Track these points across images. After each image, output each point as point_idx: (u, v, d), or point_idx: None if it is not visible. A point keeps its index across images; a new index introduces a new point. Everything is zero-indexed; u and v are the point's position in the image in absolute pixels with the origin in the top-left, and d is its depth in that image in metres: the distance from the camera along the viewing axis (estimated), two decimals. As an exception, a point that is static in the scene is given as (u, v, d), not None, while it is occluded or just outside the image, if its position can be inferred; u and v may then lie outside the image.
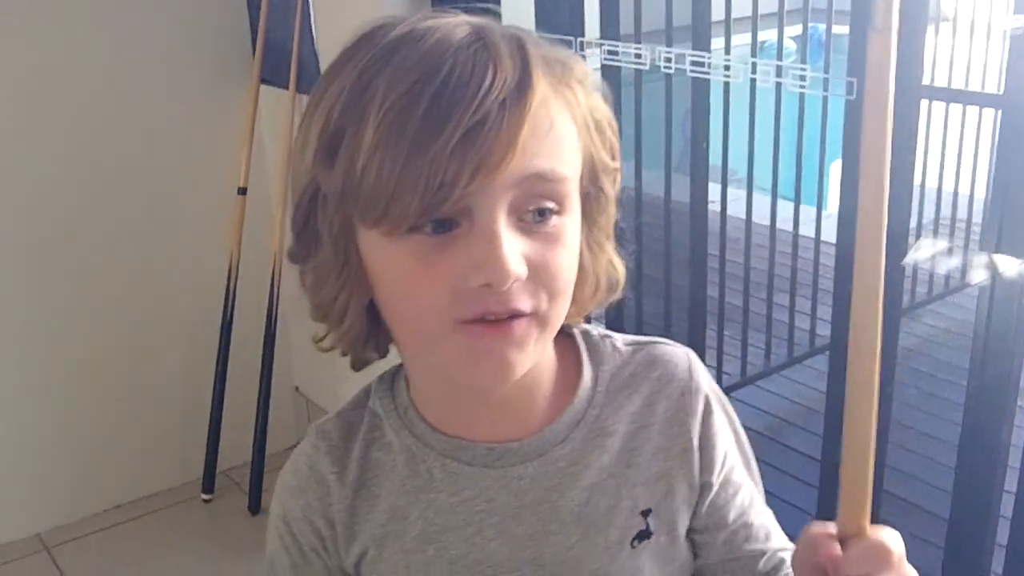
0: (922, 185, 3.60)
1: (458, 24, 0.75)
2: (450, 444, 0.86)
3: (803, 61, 2.41)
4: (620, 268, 0.86)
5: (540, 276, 0.75)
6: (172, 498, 2.87)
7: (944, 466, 1.67)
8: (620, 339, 0.92)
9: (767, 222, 3.28)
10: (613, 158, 0.82)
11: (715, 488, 0.90)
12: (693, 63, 1.86)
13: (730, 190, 3.09)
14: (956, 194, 3.68)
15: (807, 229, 3.36)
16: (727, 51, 2.38)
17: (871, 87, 0.63)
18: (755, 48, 2.52)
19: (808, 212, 3.41)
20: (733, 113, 2.67)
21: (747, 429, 2.63)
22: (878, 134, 0.64)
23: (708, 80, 1.95)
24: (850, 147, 1.55)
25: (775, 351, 3.36)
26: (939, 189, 3.65)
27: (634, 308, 2.98)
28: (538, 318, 0.76)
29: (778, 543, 0.93)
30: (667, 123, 2.59)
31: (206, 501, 2.83)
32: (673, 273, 3.00)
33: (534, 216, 0.74)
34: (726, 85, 2.34)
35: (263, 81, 2.68)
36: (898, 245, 1.55)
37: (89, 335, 2.72)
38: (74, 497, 2.80)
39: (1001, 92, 1.42)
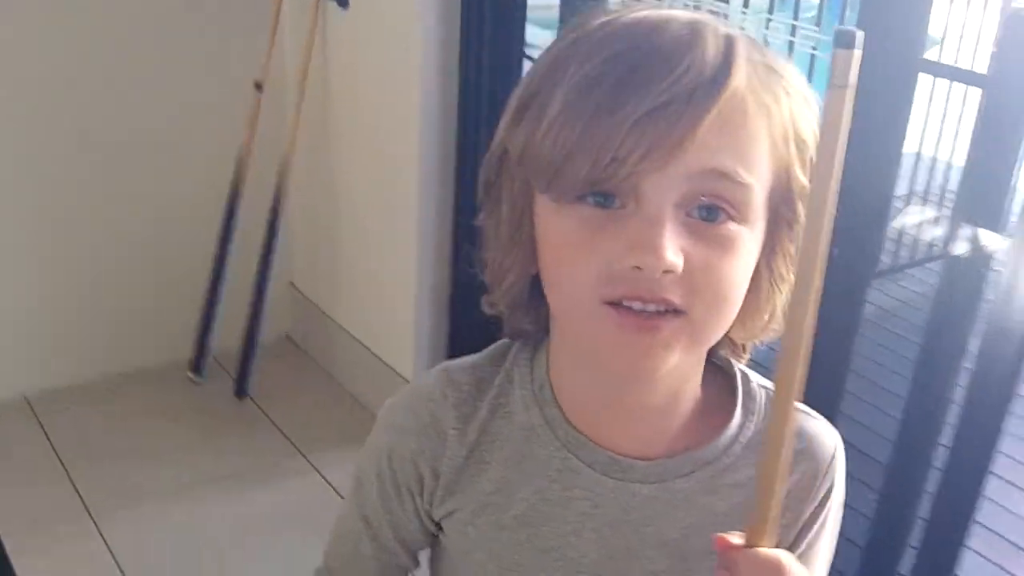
0: (918, 154, 3.69)
1: (678, 16, 0.74)
2: (576, 440, 0.85)
3: (817, 24, 2.47)
4: (780, 307, 0.82)
5: (697, 278, 0.72)
6: (162, 374, 2.94)
7: (892, 417, 1.78)
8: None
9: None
10: (808, 180, 0.76)
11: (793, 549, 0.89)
12: (710, 11, 1.93)
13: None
14: (950, 165, 3.78)
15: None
16: (745, 4, 2.43)
17: (823, 140, 0.63)
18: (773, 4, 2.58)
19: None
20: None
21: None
22: (825, 182, 0.64)
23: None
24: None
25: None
26: (933, 159, 3.74)
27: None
28: (690, 322, 0.74)
29: None
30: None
31: (194, 381, 2.92)
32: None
33: (705, 214, 0.72)
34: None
35: (290, -20, 2.73)
36: (880, 212, 1.64)
37: (98, 211, 2.79)
38: (65, 364, 2.88)
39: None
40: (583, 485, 0.85)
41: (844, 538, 2.20)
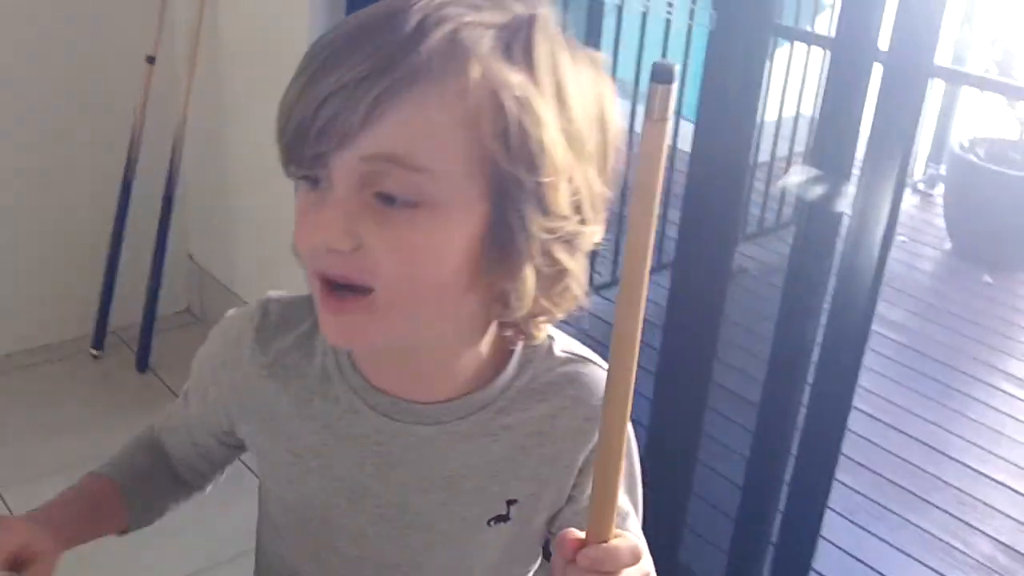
0: (797, 115, 3.84)
1: (424, 1, 0.75)
2: (362, 386, 0.91)
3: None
4: (531, 292, 0.81)
5: (377, 257, 0.76)
6: (62, 351, 2.96)
7: (755, 380, 1.91)
8: (562, 345, 0.94)
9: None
10: (531, 171, 0.75)
11: (579, 504, 0.94)
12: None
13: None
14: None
15: (685, 144, 3.57)
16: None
17: (643, 174, 0.62)
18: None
19: (688, 127, 3.62)
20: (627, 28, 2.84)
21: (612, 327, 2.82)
22: (645, 215, 0.63)
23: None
24: (708, 74, 1.72)
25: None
26: (812, 119, 3.89)
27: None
28: (382, 302, 0.78)
29: None
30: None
31: (95, 357, 2.93)
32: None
33: (379, 195, 0.75)
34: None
35: (175, -50, 2.74)
36: (740, 179, 1.76)
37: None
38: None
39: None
40: (367, 425, 0.92)
41: (724, 478, 2.34)
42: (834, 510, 2.56)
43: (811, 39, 2.00)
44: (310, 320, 0.93)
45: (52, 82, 2.76)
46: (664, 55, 3.17)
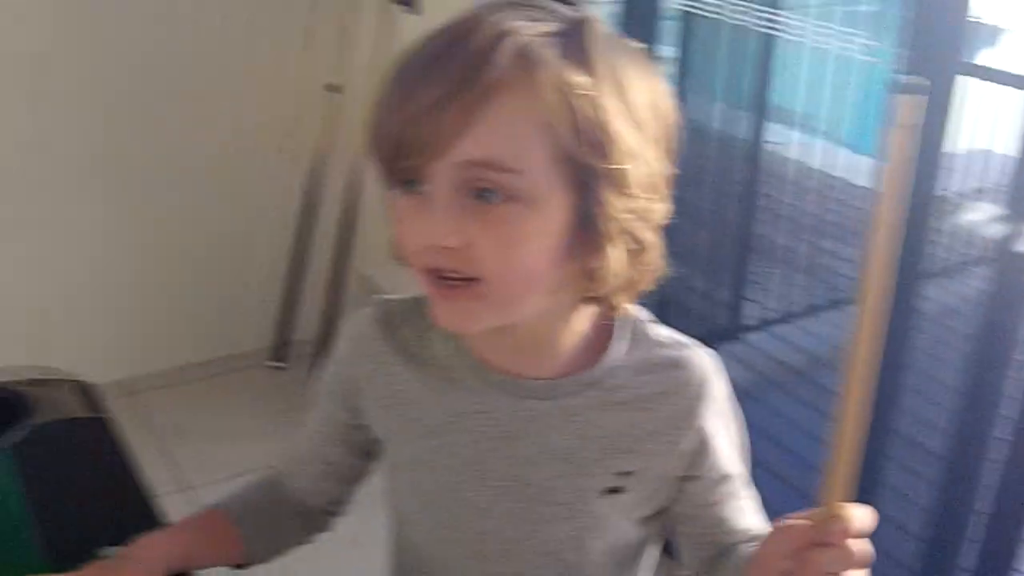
0: (987, 151, 3.71)
1: (479, 18, 0.83)
2: (478, 366, 0.98)
3: (874, 33, 2.53)
4: (641, 266, 0.90)
5: (480, 250, 0.83)
6: (245, 361, 3.11)
7: (950, 411, 1.84)
8: (664, 331, 1.01)
9: (824, 168, 3.41)
10: (604, 159, 0.83)
11: (700, 480, 1.00)
12: (766, 19, 2.00)
13: (793, 133, 3.23)
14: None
15: (862, 179, 3.50)
16: (801, 13, 2.50)
17: (889, 179, 0.68)
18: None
19: (865, 162, 3.54)
20: (803, 64, 2.80)
21: (785, 366, 2.88)
22: (892, 215, 0.70)
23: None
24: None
25: (817, 292, 3.51)
26: (1004, 155, 3.75)
27: (687, 237, 3.14)
28: (489, 290, 0.85)
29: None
30: (733, 71, 2.73)
31: (275, 368, 3.07)
32: (726, 208, 3.14)
33: (481, 196, 0.82)
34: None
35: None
36: (924, 216, 1.76)
37: (186, 211, 2.95)
38: (160, 351, 3.06)
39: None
40: (487, 402, 0.98)
41: (904, 531, 2.27)
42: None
43: (1005, 79, 1.94)
44: (424, 313, 1.00)
45: (241, 109, 2.90)
46: (841, 91, 3.13)
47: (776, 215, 3.40)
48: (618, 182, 0.84)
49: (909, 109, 0.66)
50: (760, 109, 2.99)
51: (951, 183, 3.71)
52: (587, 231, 0.86)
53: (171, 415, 2.87)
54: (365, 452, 1.12)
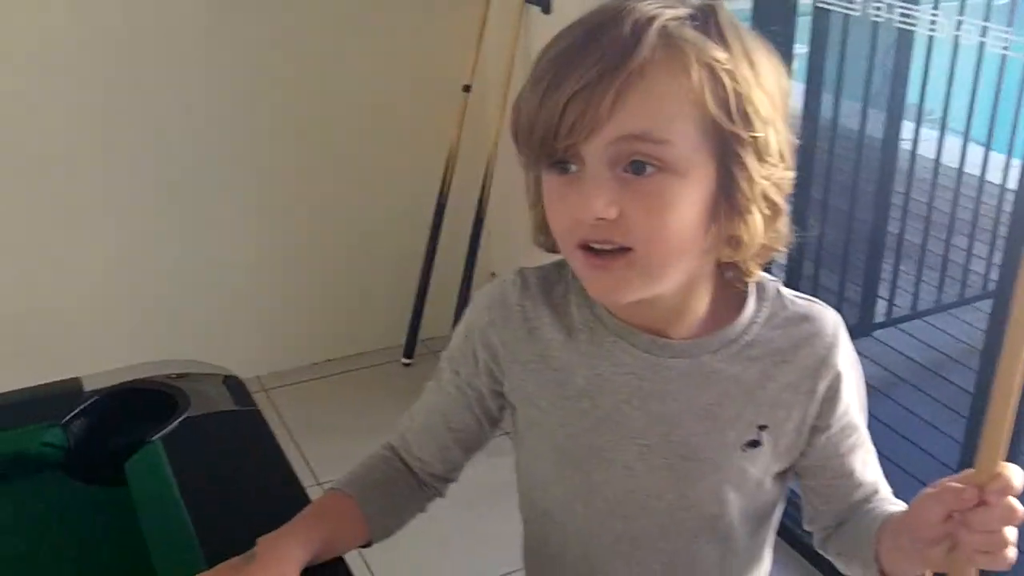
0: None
1: (620, 6, 0.89)
2: (622, 328, 1.02)
3: (1009, 24, 2.49)
4: (776, 231, 0.96)
5: (633, 221, 0.89)
6: (376, 359, 3.20)
7: None
8: (788, 290, 1.06)
9: (956, 165, 3.36)
10: (748, 127, 0.89)
11: (831, 430, 1.04)
12: (902, 14, 2.00)
13: (924, 130, 3.19)
14: None
15: (995, 175, 3.44)
16: (935, 5, 2.48)
17: None
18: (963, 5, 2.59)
19: (998, 159, 3.48)
20: (937, 58, 2.77)
21: (912, 361, 2.86)
22: None
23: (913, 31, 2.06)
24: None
25: (947, 290, 3.46)
26: None
27: (817, 235, 3.13)
28: (637, 256, 0.91)
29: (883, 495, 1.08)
30: (869, 68, 2.71)
31: (406, 365, 3.14)
32: (857, 206, 3.13)
33: (634, 168, 0.88)
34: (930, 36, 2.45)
35: (495, -12, 2.91)
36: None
37: (319, 205, 3.05)
38: (292, 348, 3.17)
39: None
40: (629, 363, 1.02)
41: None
42: None
43: None
44: (562, 283, 1.06)
45: (376, 110, 3.00)
46: (974, 86, 3.09)
47: (909, 213, 3.37)
48: (758, 149, 0.91)
49: None
50: (894, 106, 2.97)
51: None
52: (729, 199, 0.92)
53: (305, 411, 2.96)
54: (492, 419, 1.14)
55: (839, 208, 3.11)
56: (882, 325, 3.33)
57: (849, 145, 3.01)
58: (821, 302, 1.06)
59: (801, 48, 2.57)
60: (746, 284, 1.03)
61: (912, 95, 3.03)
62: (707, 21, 0.90)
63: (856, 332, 3.29)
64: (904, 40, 2.80)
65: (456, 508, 1.30)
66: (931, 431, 2.75)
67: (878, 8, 2.04)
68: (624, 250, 0.91)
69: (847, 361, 1.04)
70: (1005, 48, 1.85)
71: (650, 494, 1.05)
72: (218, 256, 2.99)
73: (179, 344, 2.54)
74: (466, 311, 1.13)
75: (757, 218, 0.93)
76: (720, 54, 0.88)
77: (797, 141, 0.96)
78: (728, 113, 0.88)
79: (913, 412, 2.90)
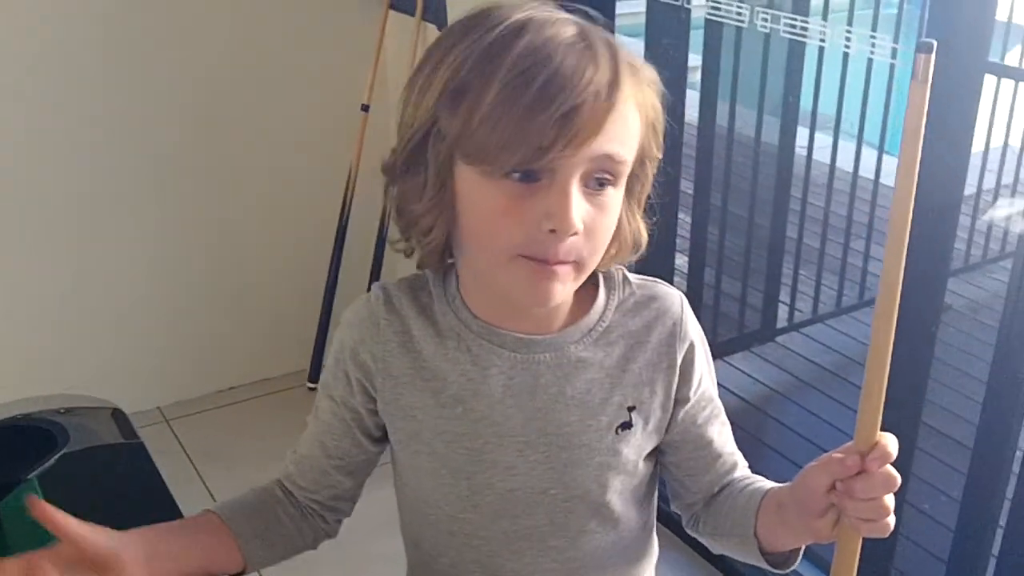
0: (1005, 147, 3.72)
1: (567, 22, 0.93)
2: (487, 330, 1.05)
3: (874, 29, 2.56)
4: (644, 233, 1.05)
5: (589, 233, 0.94)
6: (282, 384, 3.15)
7: (965, 420, 1.87)
8: (636, 276, 1.12)
9: (851, 169, 3.43)
10: (658, 149, 1.00)
11: (690, 402, 1.10)
12: (788, 25, 2.04)
13: (819, 136, 3.25)
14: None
15: (888, 179, 3.52)
16: (824, 16, 2.53)
17: (908, 126, 0.78)
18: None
19: (892, 162, 3.56)
20: (830, 68, 2.84)
21: (815, 365, 2.91)
22: (909, 168, 0.81)
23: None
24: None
25: (847, 293, 3.53)
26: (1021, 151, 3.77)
27: (717, 243, 3.18)
28: (579, 266, 0.96)
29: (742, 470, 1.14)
30: (762, 76, 2.76)
31: (311, 389, 3.06)
32: (756, 212, 3.17)
33: (596, 184, 0.93)
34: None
35: (392, 7, 2.90)
36: (950, 214, 1.75)
37: (218, 230, 3.00)
38: (194, 376, 3.10)
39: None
40: (498, 363, 1.05)
41: (934, 521, 2.29)
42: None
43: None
44: (425, 291, 1.08)
45: (274, 132, 2.97)
46: (866, 93, 3.16)
47: (807, 217, 3.43)
48: (655, 160, 1.01)
49: (926, 66, 0.76)
50: (789, 114, 3.02)
51: (980, 181, 3.74)
52: (629, 204, 1.01)
53: (208, 441, 2.90)
54: (373, 439, 1.14)
55: (738, 215, 3.16)
56: (784, 330, 3.39)
57: (747, 152, 3.06)
58: (663, 282, 1.13)
59: (695, 59, 2.61)
60: (597, 275, 1.09)
61: (806, 102, 3.09)
62: (618, 47, 0.95)
63: (759, 337, 3.37)
64: (795, 50, 2.86)
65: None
66: (835, 433, 2.80)
67: (765, 19, 2.07)
68: (570, 262, 0.95)
69: (696, 333, 1.10)
70: (892, 59, 1.89)
71: (535, 489, 1.07)
72: (116, 285, 2.92)
73: (77, 375, 2.48)
74: (335, 333, 1.13)
75: (639, 223, 1.03)
76: (652, 74, 0.98)
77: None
78: (655, 137, 0.98)
79: (817, 415, 2.95)
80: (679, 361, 1.08)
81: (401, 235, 1.05)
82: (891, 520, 0.89)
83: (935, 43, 0.75)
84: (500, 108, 0.88)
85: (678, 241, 2.75)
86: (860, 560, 0.91)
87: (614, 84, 0.90)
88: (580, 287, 1.04)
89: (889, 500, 0.88)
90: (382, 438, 1.14)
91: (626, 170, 0.96)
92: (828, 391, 3.08)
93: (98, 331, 2.94)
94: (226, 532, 1.09)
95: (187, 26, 2.78)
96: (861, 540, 0.91)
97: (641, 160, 0.98)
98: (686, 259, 2.95)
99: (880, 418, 0.86)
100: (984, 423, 1.79)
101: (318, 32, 2.94)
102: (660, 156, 1.01)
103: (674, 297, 1.11)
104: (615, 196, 0.96)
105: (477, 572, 1.12)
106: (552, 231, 0.91)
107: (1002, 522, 1.84)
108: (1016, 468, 1.79)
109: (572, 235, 0.92)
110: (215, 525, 1.09)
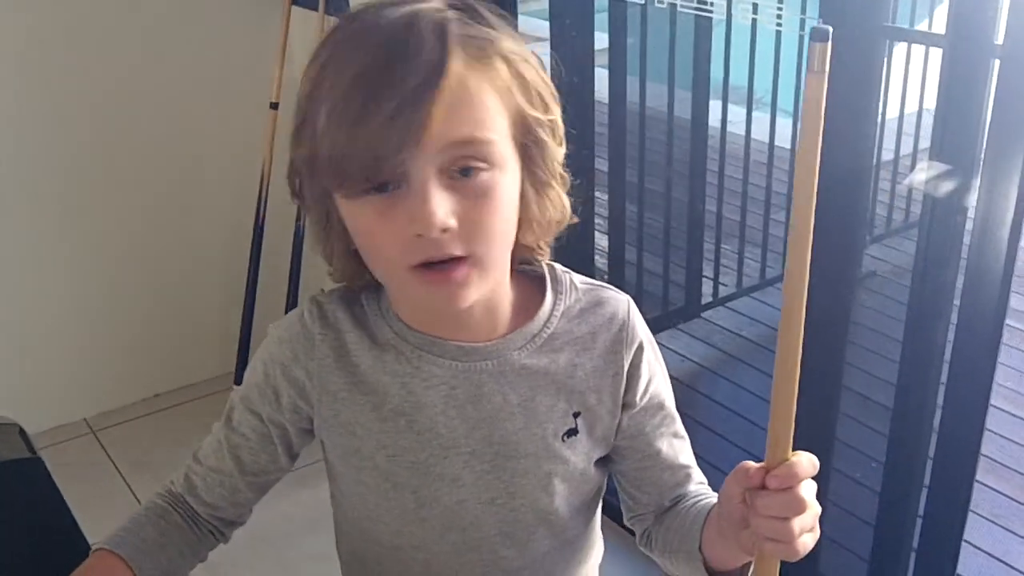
0: (919, 111, 3.76)
1: (402, 15, 0.89)
2: (425, 340, 1.02)
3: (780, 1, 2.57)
4: (566, 204, 1.00)
5: (469, 226, 0.89)
6: (208, 388, 3.10)
7: (888, 384, 1.88)
8: (578, 279, 1.09)
9: (766, 139, 3.45)
10: (547, 111, 0.94)
11: (637, 407, 1.07)
12: (684, 2, 2.04)
13: (732, 108, 3.26)
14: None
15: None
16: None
17: (806, 120, 0.75)
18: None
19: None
20: (740, 39, 2.84)
21: (742, 338, 2.93)
22: (810, 157, 0.75)
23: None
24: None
25: (771, 265, 3.55)
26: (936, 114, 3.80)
27: (636, 220, 3.18)
28: (476, 260, 0.91)
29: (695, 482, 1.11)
30: (670, 49, 2.77)
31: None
32: (674, 188, 3.18)
33: (462, 174, 0.88)
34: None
35: (294, 2, 2.84)
36: (862, 181, 1.76)
37: (132, 236, 2.94)
38: (118, 385, 3.04)
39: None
40: (439, 374, 1.02)
41: (858, 484, 2.31)
42: (977, 513, 2.49)
43: (925, 39, 1.97)
44: (358, 304, 1.05)
45: (185, 133, 2.91)
46: (776, 63, 3.17)
47: (725, 191, 3.45)
48: (554, 130, 0.96)
49: (822, 55, 0.73)
50: (699, 88, 3.03)
51: (898, 146, 3.78)
52: (534, 182, 0.96)
53: (136, 449, 2.86)
54: (292, 456, 1.12)
55: (656, 191, 3.16)
56: (709, 305, 3.40)
57: (661, 128, 3.06)
58: (611, 287, 1.10)
59: (602, 37, 2.60)
60: (539, 272, 1.07)
61: (717, 74, 3.10)
62: (478, 14, 0.92)
63: (684, 314, 3.38)
64: (702, 23, 2.86)
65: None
66: (765, 406, 2.81)
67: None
68: (461, 259, 0.90)
69: (644, 337, 1.08)
70: (778, 23, 1.90)
71: (481, 500, 1.06)
72: (32, 296, 2.85)
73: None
74: (261, 347, 1.10)
75: (555, 193, 0.98)
76: (511, 45, 0.92)
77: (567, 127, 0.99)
78: (531, 101, 0.92)
79: (747, 389, 2.96)
80: (626, 366, 1.06)
81: (328, 264, 1.04)
82: (801, 546, 0.83)
83: (831, 30, 0.72)
84: (331, 132, 0.87)
85: (596, 221, 2.75)
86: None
87: (437, 70, 0.86)
88: (526, 292, 1.05)
89: (798, 524, 0.82)
90: (298, 455, 1.12)
91: (495, 148, 0.90)
92: (757, 364, 3.09)
93: (16, 344, 2.86)
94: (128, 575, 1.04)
95: (91, 29, 2.70)
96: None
97: (525, 128, 0.93)
98: (606, 238, 2.95)
99: (791, 434, 0.81)
100: (902, 386, 1.81)
101: (221, 30, 2.89)
102: (554, 117, 0.95)
103: (621, 301, 1.08)
104: (494, 178, 0.90)
105: None
106: (419, 235, 0.88)
107: (927, 482, 1.86)
108: (936, 425, 1.80)
109: (443, 233, 0.88)
110: (117, 569, 1.03)
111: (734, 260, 3.48)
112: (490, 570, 1.09)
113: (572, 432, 1.05)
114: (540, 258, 1.06)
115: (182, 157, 2.92)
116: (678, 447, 1.10)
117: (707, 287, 3.40)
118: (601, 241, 2.91)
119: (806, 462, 0.83)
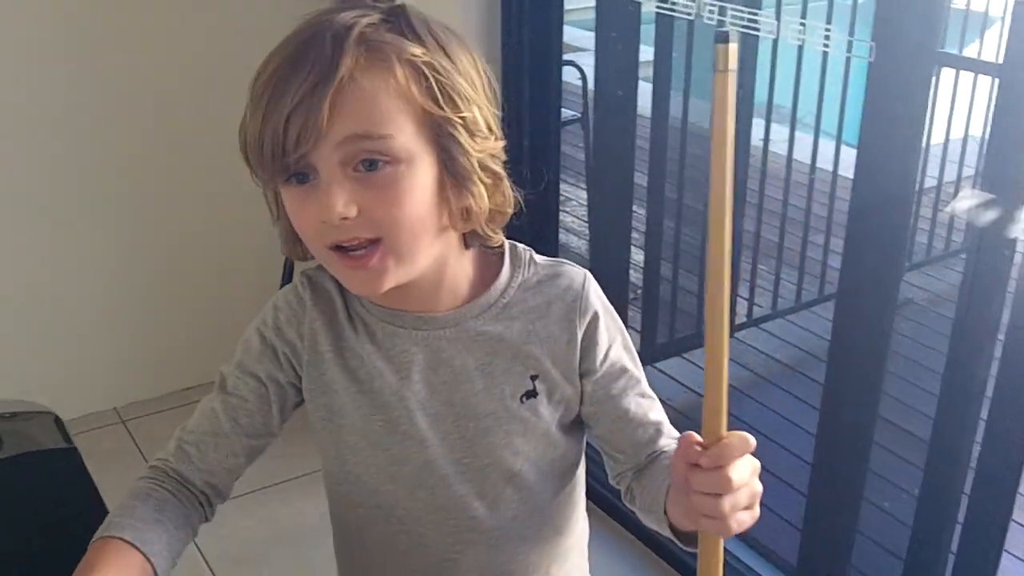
0: (964, 138, 3.72)
1: (318, 21, 0.98)
2: (387, 313, 1.12)
3: (828, 22, 2.54)
4: (507, 195, 1.07)
5: (375, 214, 0.98)
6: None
7: (924, 416, 1.85)
8: (540, 257, 1.16)
9: (809, 161, 3.42)
10: (456, 110, 1.00)
11: (598, 373, 1.13)
12: (734, 17, 2.01)
13: (775, 128, 3.23)
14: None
15: (848, 171, 3.50)
16: (778, 9, 2.52)
17: (716, 120, 0.78)
18: (790, 8, 2.63)
19: (851, 153, 3.54)
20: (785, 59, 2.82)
21: (775, 361, 2.89)
22: (721, 158, 0.79)
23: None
24: (869, 103, 1.69)
25: (807, 287, 3.51)
26: (982, 140, 3.75)
27: (673, 236, 3.15)
28: (390, 248, 1.00)
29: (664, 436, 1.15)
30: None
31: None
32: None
33: (367, 167, 0.97)
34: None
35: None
36: (904, 207, 1.73)
37: (170, 230, 2.96)
38: (150, 377, 3.07)
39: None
40: (403, 342, 1.12)
41: (892, 518, 2.27)
42: (1011, 553, 2.45)
43: (979, 67, 1.94)
44: (332, 280, 1.13)
45: (223, 126, 2.89)
46: (822, 85, 3.14)
47: (765, 211, 3.42)
48: (468, 127, 1.01)
49: (725, 56, 0.76)
50: (743, 106, 3.00)
51: (941, 173, 3.73)
52: (453, 175, 1.01)
53: (167, 439, 2.82)
54: (284, 417, 1.17)
55: (694, 208, 3.13)
56: (743, 326, 3.36)
57: (702, 145, 3.03)
58: (570, 262, 1.17)
59: (648, 51, 2.58)
60: (497, 251, 1.14)
61: (761, 94, 3.07)
62: (400, 22, 1.00)
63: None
64: (749, 42, 2.83)
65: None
66: (794, 429, 2.78)
67: (712, 11, 2.04)
68: (373, 242, 0.99)
69: (600, 306, 1.14)
70: (826, 44, 1.87)
71: (447, 460, 1.13)
72: (72, 286, 2.88)
73: (32, 378, 2.44)
74: (255, 320, 1.18)
75: (480, 188, 1.03)
76: (417, 49, 0.98)
77: (500, 113, 1.07)
78: (435, 100, 0.98)
79: (776, 411, 2.93)
80: (579, 335, 1.12)
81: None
82: (736, 523, 0.87)
83: (730, 31, 0.76)
84: (251, 126, 0.98)
85: (633, 236, 2.73)
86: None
87: (330, 70, 0.94)
88: (488, 268, 1.13)
89: (728, 503, 0.86)
90: (287, 419, 1.18)
91: (395, 144, 0.97)
92: (787, 387, 3.06)
93: (53, 333, 2.89)
94: (138, 559, 1.03)
95: (144, 30, 2.73)
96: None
97: (433, 126, 0.99)
98: (642, 254, 2.93)
99: (724, 411, 0.85)
100: (940, 419, 1.77)
101: (275, 34, 2.87)
102: (468, 115, 1.01)
103: (577, 274, 1.15)
104: (398, 172, 0.98)
105: (403, 545, 1.17)
106: (324, 222, 0.97)
107: (960, 518, 1.82)
108: (973, 463, 1.77)
109: (344, 220, 0.96)
110: (131, 558, 1.03)
111: (770, 281, 3.45)
112: (463, 531, 1.15)
113: (531, 394, 1.12)
114: (493, 243, 1.12)
115: (221, 153, 2.91)
116: (646, 405, 1.15)
117: (742, 307, 3.37)
118: (636, 255, 2.89)
119: (737, 441, 0.86)
